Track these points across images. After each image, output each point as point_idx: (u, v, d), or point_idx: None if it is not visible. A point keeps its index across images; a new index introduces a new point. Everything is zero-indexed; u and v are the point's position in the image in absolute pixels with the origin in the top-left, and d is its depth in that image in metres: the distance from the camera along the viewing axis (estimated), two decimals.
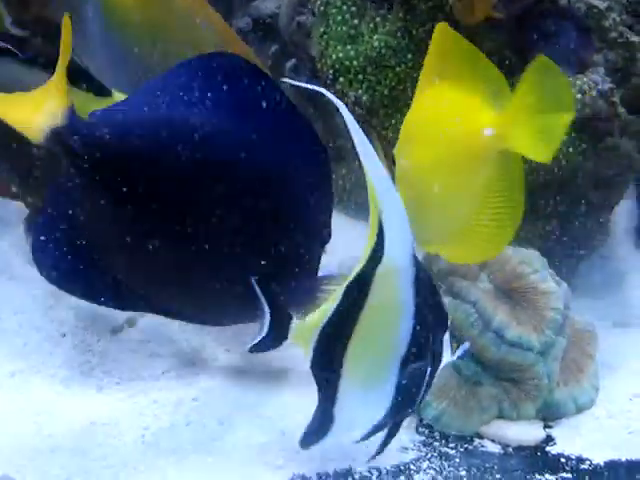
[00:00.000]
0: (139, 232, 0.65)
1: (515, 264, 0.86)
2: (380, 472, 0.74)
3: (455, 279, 0.84)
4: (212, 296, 0.69)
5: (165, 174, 0.64)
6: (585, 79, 0.94)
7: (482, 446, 0.80)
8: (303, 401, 0.71)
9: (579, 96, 0.93)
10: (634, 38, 0.94)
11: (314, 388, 0.65)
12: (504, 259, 0.87)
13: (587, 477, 0.76)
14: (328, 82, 1.07)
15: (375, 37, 1.04)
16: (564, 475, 0.77)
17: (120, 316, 0.92)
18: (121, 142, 0.64)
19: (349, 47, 1.05)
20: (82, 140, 0.64)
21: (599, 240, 1.04)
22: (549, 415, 0.84)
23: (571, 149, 0.95)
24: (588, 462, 0.79)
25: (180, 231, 0.65)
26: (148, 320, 0.92)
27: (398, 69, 1.04)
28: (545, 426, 0.84)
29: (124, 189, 0.64)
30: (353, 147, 0.57)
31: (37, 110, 0.63)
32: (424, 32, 1.02)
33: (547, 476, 0.76)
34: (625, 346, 0.95)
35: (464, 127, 0.71)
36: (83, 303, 0.77)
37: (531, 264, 0.86)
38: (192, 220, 0.65)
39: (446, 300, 0.82)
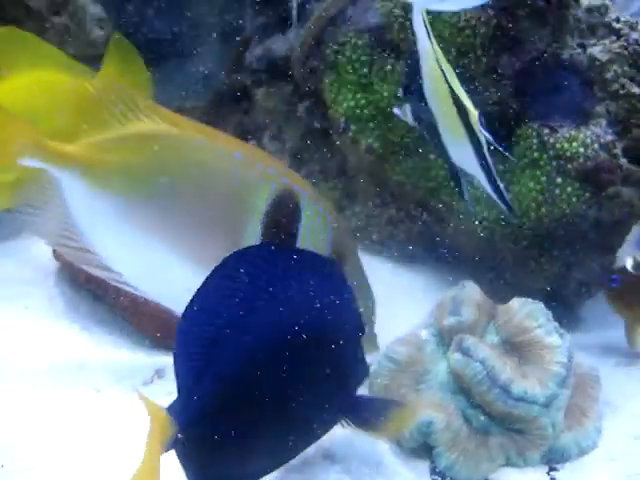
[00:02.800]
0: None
1: (521, 318, 0.91)
2: None
3: (464, 336, 0.89)
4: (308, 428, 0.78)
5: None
6: (588, 132, 0.98)
7: None
8: None
9: (582, 149, 0.97)
10: (635, 89, 0.98)
11: None
12: (511, 312, 0.92)
13: None
14: (341, 129, 1.11)
15: (385, 86, 1.08)
16: None
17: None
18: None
19: (359, 96, 1.09)
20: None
21: (602, 280, 1.09)
22: (553, 459, 0.90)
23: (574, 199, 0.99)
24: None
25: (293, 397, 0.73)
26: None
27: None
28: (550, 469, 0.89)
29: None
30: None
31: None
32: None
33: None
34: (628, 385, 0.99)
35: None
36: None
37: (536, 318, 0.91)
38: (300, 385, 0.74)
39: (457, 356, 0.88)
